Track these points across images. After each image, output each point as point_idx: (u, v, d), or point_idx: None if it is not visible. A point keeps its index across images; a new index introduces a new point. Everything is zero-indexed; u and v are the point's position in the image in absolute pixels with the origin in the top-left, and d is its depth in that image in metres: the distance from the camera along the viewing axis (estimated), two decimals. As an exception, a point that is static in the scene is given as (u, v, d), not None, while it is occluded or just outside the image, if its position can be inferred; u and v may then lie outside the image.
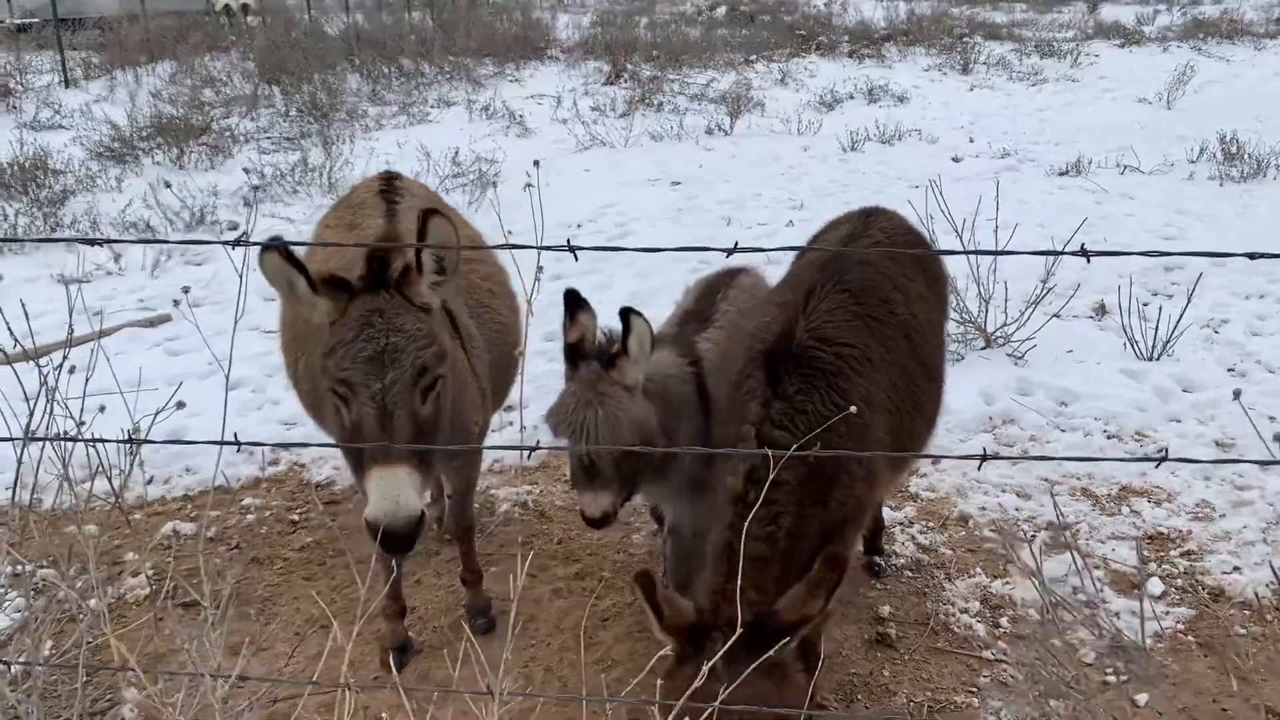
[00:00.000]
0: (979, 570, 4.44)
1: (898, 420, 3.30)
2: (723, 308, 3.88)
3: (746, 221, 9.16)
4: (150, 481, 5.27)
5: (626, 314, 3.13)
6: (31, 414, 3.11)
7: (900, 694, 3.77)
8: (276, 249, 2.84)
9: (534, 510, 5.00)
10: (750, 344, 3.29)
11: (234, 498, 5.16)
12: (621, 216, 9.55)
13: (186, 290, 4.56)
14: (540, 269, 3.37)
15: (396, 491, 2.73)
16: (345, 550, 4.70)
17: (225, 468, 5.40)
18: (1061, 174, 10.54)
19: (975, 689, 3.78)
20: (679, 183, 10.65)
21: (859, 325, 3.29)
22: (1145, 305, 6.72)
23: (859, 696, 3.78)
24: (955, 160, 11.34)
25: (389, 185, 4.24)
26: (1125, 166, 10.61)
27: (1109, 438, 5.43)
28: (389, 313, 2.94)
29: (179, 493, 5.23)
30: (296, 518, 4.97)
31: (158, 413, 3.76)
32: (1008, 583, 4.36)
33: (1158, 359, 6.13)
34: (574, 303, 3.33)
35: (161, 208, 9.29)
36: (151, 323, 7.17)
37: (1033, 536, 4.65)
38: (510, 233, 4.41)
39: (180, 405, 3.84)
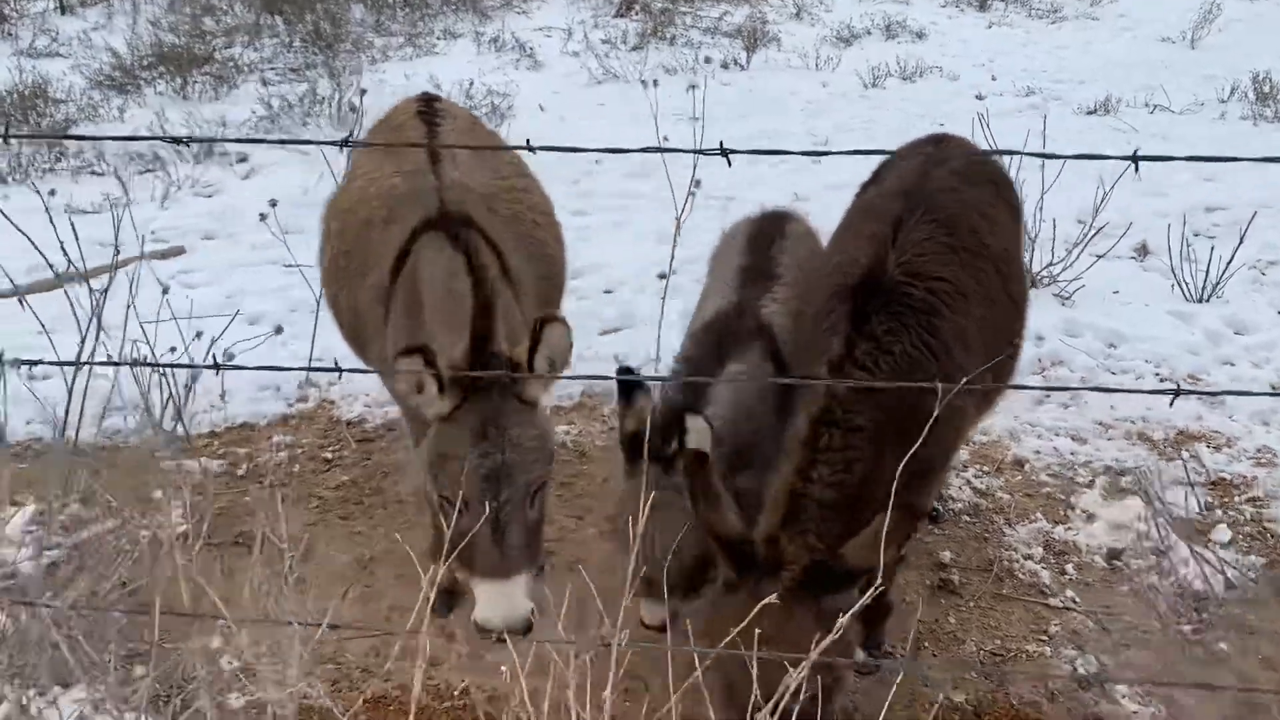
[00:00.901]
0: (1039, 515, 4.31)
1: (989, 360, 3.13)
2: (784, 260, 3.65)
3: (772, 159, 8.90)
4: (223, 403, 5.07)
5: (680, 415, 2.90)
6: (83, 340, 2.94)
7: (969, 642, 3.66)
8: (418, 352, 2.76)
9: (574, 450, 4.85)
10: (834, 278, 3.11)
11: (263, 435, 4.99)
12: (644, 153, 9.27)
13: (274, 204, 4.25)
14: (697, 183, 3.28)
15: (509, 599, 2.78)
16: (382, 490, 4.56)
17: (251, 404, 5.23)
18: (1090, 113, 10.28)
19: (1046, 637, 3.67)
20: (697, 118, 10.37)
21: (952, 258, 3.11)
22: (1190, 247, 6.54)
23: (925, 644, 3.67)
24: (979, 98, 11.04)
25: (429, 107, 4.03)
26: (1155, 106, 10.34)
27: (1161, 381, 5.28)
28: (503, 422, 2.82)
29: (204, 429, 5.06)
30: (330, 455, 4.82)
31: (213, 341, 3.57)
32: (1070, 528, 4.24)
33: (1207, 300, 5.97)
34: (629, 385, 3.10)
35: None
36: (164, 255, 6.95)
37: (1092, 481, 4.52)
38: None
39: (278, 330, 3.72)
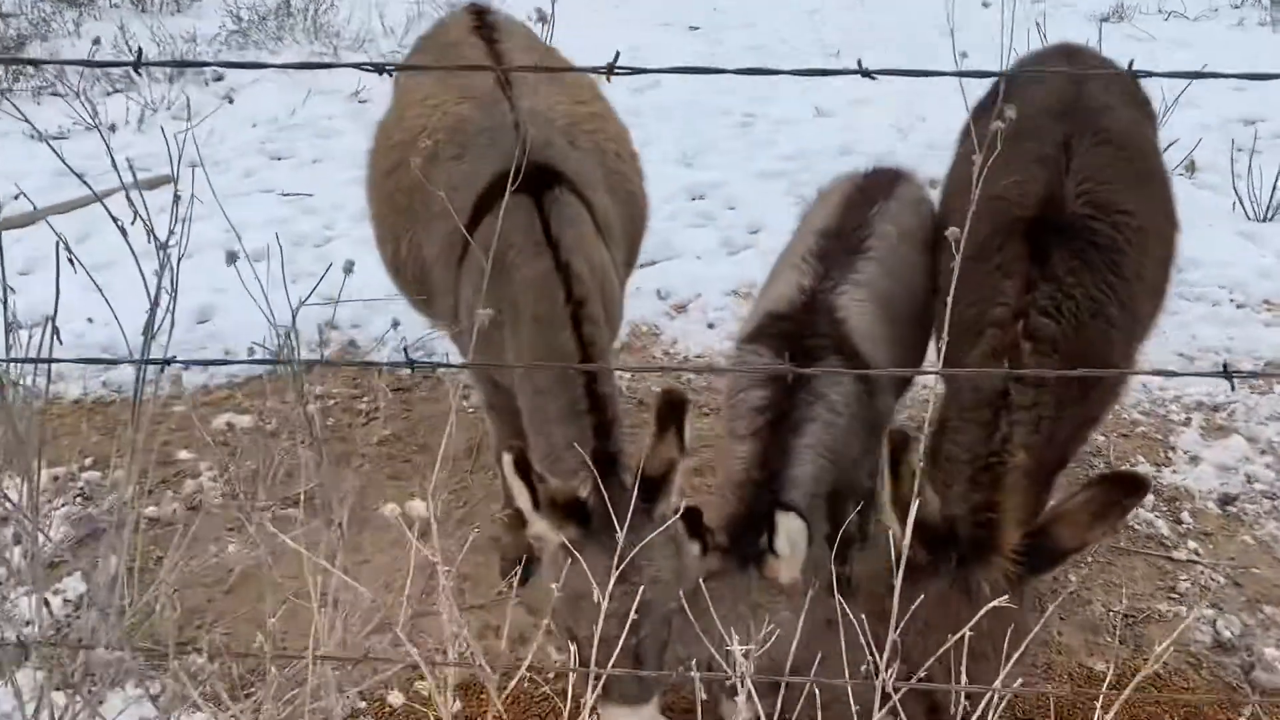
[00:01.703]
0: (1139, 457, 4.05)
1: (1159, 300, 2.83)
2: (879, 228, 3.05)
3: (786, 68, 8.43)
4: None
5: (773, 509, 2.47)
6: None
7: (1095, 603, 3.40)
8: (514, 452, 2.47)
9: (629, 397, 4.50)
10: (1002, 208, 2.76)
11: (285, 385, 4.56)
12: (643, 65, 8.76)
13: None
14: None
15: None
16: (429, 445, 4.18)
17: (267, 354, 4.79)
18: (1103, 19, 9.88)
19: (1177, 595, 3.43)
20: (697, 27, 9.86)
21: (1132, 188, 2.78)
22: (1235, 163, 6.25)
23: (1046, 605, 3.40)
24: (985, 5, 10.62)
25: (482, 21, 3.57)
26: (1169, 13, 9.98)
27: (1238, 307, 5.02)
28: (641, 558, 2.41)
29: (221, 380, 4.64)
30: (365, 406, 4.42)
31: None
32: (1175, 471, 3.98)
33: (1272, 218, 5.70)
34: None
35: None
36: (152, 184, 6.39)
37: (1187, 419, 4.26)
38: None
39: (348, 269, 3.31)
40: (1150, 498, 3.83)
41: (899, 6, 10.53)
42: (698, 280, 5.31)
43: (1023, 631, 2.37)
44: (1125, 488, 2.32)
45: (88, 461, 4.08)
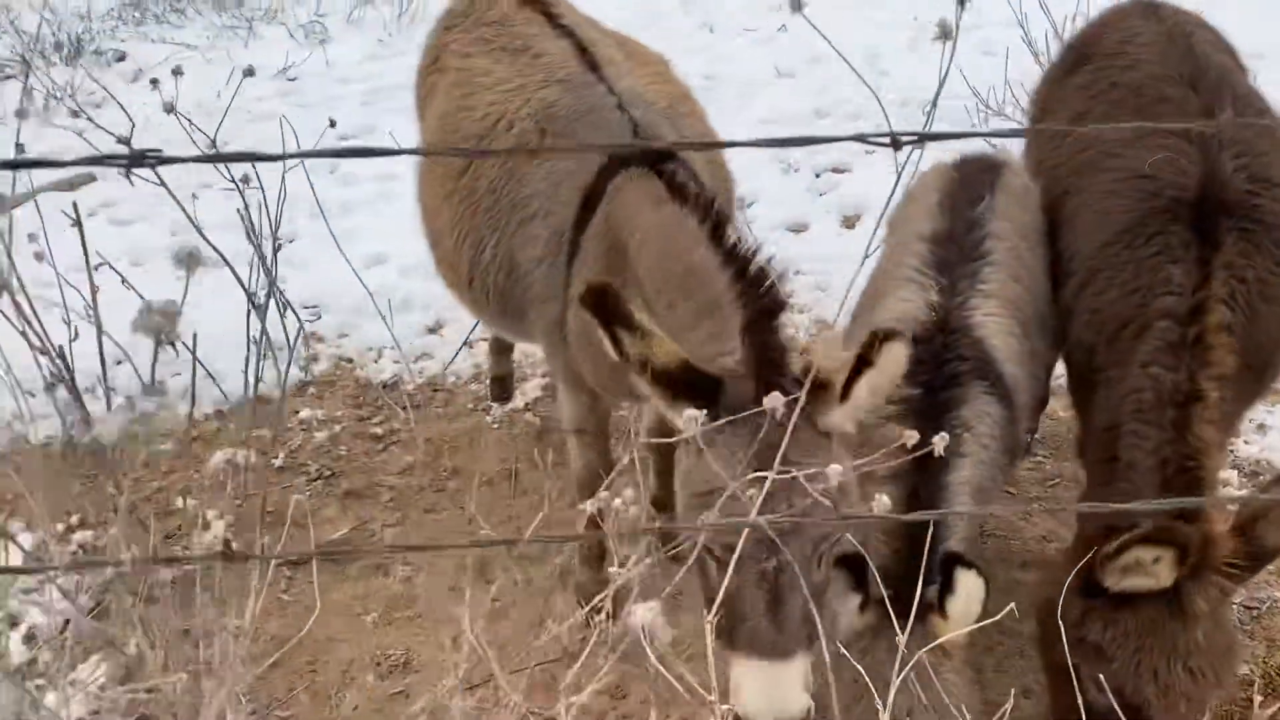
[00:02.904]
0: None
1: None
2: (995, 228, 2.71)
3: (733, 27, 8.10)
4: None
5: (949, 562, 2.16)
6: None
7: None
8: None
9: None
10: (1152, 188, 2.53)
11: (278, 409, 4.10)
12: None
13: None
14: None
15: (783, 691, 2.07)
16: (459, 469, 3.80)
17: (252, 373, 4.31)
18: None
19: None
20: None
21: (1277, 152, 2.59)
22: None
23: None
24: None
25: None
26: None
27: None
28: (792, 455, 1.96)
29: (206, 407, 4.15)
30: (380, 431, 4.00)
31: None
32: (1248, 442, 3.87)
33: None
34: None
35: (24, 37, 7.55)
36: (73, 184, 5.77)
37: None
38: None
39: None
40: (1230, 472, 3.71)
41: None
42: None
43: (1233, 647, 2.25)
44: None
45: (74, 520, 3.57)
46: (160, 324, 2.36)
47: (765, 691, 2.08)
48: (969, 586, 2.14)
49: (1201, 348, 2.36)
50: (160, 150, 1.25)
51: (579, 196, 2.56)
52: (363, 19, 8.40)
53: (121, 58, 7.68)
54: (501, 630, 3.08)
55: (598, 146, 2.59)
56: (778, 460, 1.85)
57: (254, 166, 4.77)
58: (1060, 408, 3.79)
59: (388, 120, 6.49)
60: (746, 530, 1.95)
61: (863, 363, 2.04)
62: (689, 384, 2.06)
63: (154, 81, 6.93)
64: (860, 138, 1.36)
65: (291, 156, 1.34)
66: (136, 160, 1.22)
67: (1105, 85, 2.94)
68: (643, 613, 1.20)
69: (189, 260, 3.89)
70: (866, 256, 3.98)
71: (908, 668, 1.95)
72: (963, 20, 4.64)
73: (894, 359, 2.04)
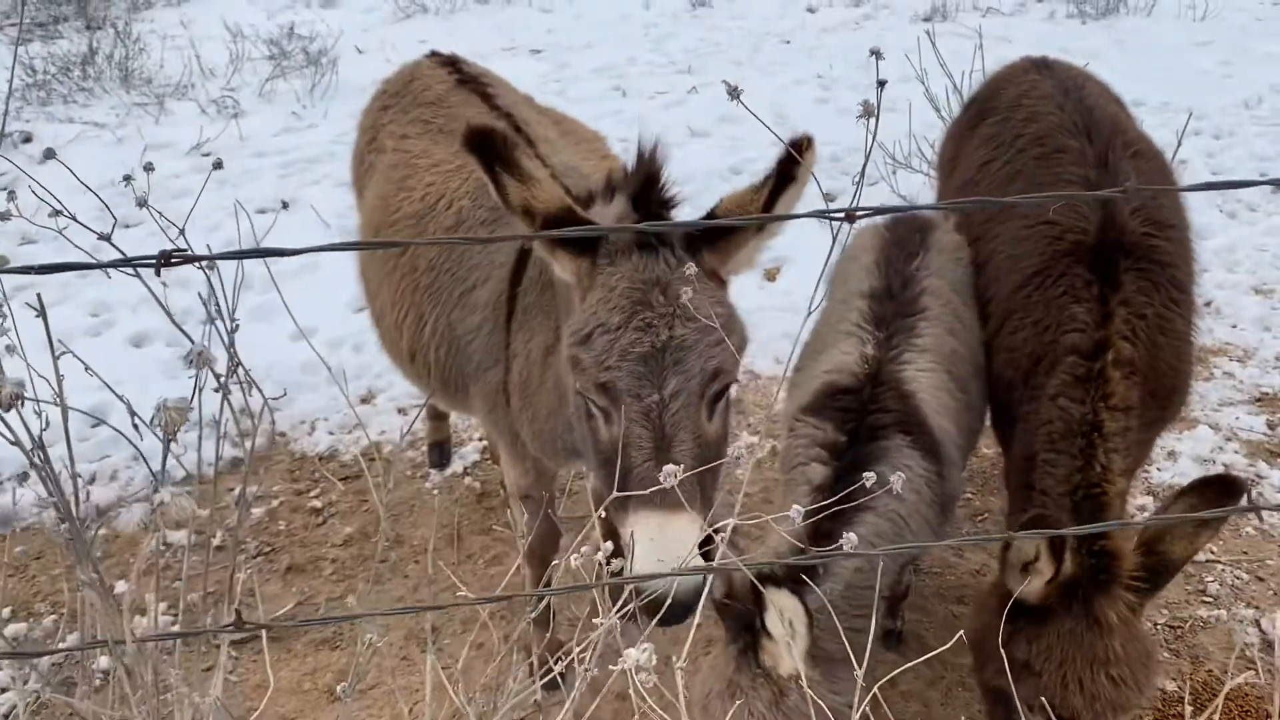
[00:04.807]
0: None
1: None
2: (927, 285, 2.81)
3: (644, 90, 8.30)
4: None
5: (762, 584, 2.09)
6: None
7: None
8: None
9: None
10: (1055, 233, 2.69)
11: (215, 488, 4.05)
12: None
13: (218, 165, 3.03)
14: None
15: (674, 548, 1.87)
16: (403, 537, 3.80)
17: (178, 452, 4.27)
18: (925, 19, 10.23)
19: (1210, 598, 3.45)
20: (540, 50, 9.60)
21: (1173, 200, 2.78)
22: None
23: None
24: (811, 11, 10.83)
25: (459, 70, 3.27)
26: (986, 9, 10.43)
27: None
28: (674, 287, 1.97)
29: (136, 488, 4.09)
30: (319, 504, 3.98)
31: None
32: (1160, 469, 4.05)
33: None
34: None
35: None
36: (-15, 269, 5.63)
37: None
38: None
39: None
40: (1144, 498, 3.89)
41: (739, 17, 10.62)
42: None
43: (1151, 653, 2.36)
44: (1221, 491, 2.29)
45: (4, 612, 3.48)
46: (175, 420, 2.34)
47: (656, 546, 1.89)
48: (779, 603, 2.08)
49: (1103, 381, 2.50)
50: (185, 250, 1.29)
51: (514, 257, 2.62)
52: (274, 92, 8.41)
53: (28, 139, 7.55)
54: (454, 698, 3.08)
55: (529, 236, 2.53)
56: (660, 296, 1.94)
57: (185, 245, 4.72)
58: (984, 444, 3.93)
59: (307, 193, 6.51)
60: (627, 363, 1.96)
61: (786, 178, 2.02)
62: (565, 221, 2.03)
63: (49, 152, 6.88)
64: (821, 214, 1.45)
65: (304, 252, 1.38)
66: (165, 260, 1.27)
67: (1010, 136, 3.12)
68: (634, 654, 1.23)
69: (198, 360, 3.86)
70: (809, 314, 4.10)
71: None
72: (866, 79, 4.85)
73: (810, 167, 2.02)
